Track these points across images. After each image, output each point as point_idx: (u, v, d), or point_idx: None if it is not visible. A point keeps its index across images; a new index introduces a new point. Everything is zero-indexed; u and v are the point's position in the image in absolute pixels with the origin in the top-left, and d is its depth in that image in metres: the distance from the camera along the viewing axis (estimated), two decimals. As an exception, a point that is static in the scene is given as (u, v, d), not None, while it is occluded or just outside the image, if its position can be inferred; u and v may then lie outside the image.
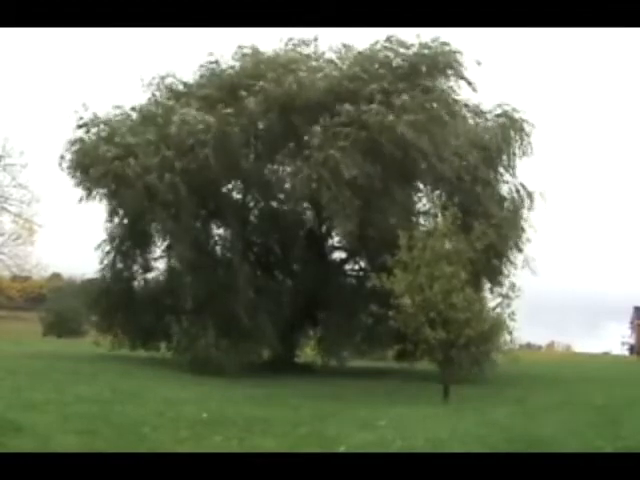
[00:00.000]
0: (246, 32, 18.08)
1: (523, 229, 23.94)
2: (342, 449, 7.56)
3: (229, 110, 20.44)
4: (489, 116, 24.56)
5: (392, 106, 19.68)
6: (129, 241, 24.16)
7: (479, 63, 21.82)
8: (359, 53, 22.58)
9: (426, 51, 21.58)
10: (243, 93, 20.80)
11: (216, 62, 23.91)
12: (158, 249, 24.76)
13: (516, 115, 24.06)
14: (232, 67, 23.59)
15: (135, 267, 24.74)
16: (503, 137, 23.88)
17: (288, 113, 21.07)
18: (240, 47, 23.58)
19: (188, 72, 24.78)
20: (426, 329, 13.81)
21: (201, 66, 24.21)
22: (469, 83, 22.35)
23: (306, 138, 19.72)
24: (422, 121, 19.79)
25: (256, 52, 23.32)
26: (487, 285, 22.91)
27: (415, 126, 19.57)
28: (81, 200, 22.32)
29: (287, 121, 21.27)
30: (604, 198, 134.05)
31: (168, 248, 23.92)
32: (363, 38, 22.62)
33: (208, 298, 20.97)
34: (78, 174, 21.87)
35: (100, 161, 20.73)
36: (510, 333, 15.86)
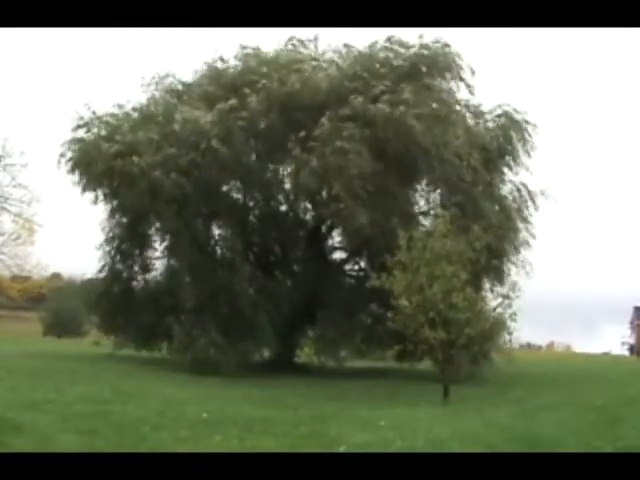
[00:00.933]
0: (246, 32, 18.10)
1: (522, 230, 23.93)
2: (342, 449, 7.56)
3: (232, 101, 20.42)
4: (489, 116, 24.55)
5: (397, 101, 19.67)
6: (129, 241, 24.16)
7: (473, 72, 22.02)
8: (359, 53, 22.60)
9: (426, 52, 21.62)
10: (246, 90, 20.80)
11: (218, 61, 23.94)
12: (158, 249, 24.81)
13: (516, 115, 24.06)
14: (234, 67, 23.63)
15: (135, 267, 24.75)
16: (504, 137, 23.88)
17: (290, 112, 21.07)
18: (242, 47, 23.64)
19: (187, 72, 24.90)
20: (426, 329, 13.78)
21: (203, 65, 24.29)
22: (468, 86, 22.42)
23: (316, 132, 19.63)
24: (427, 116, 19.78)
25: (258, 52, 23.34)
26: (488, 285, 22.91)
27: (420, 120, 19.56)
28: (96, 200, 22.48)
29: (288, 120, 21.26)
30: (605, 198, 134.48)
31: (168, 248, 23.92)
32: (363, 38, 22.68)
33: (208, 298, 20.97)
34: (78, 173, 21.83)
35: (102, 158, 20.62)
36: (510, 333, 15.86)
